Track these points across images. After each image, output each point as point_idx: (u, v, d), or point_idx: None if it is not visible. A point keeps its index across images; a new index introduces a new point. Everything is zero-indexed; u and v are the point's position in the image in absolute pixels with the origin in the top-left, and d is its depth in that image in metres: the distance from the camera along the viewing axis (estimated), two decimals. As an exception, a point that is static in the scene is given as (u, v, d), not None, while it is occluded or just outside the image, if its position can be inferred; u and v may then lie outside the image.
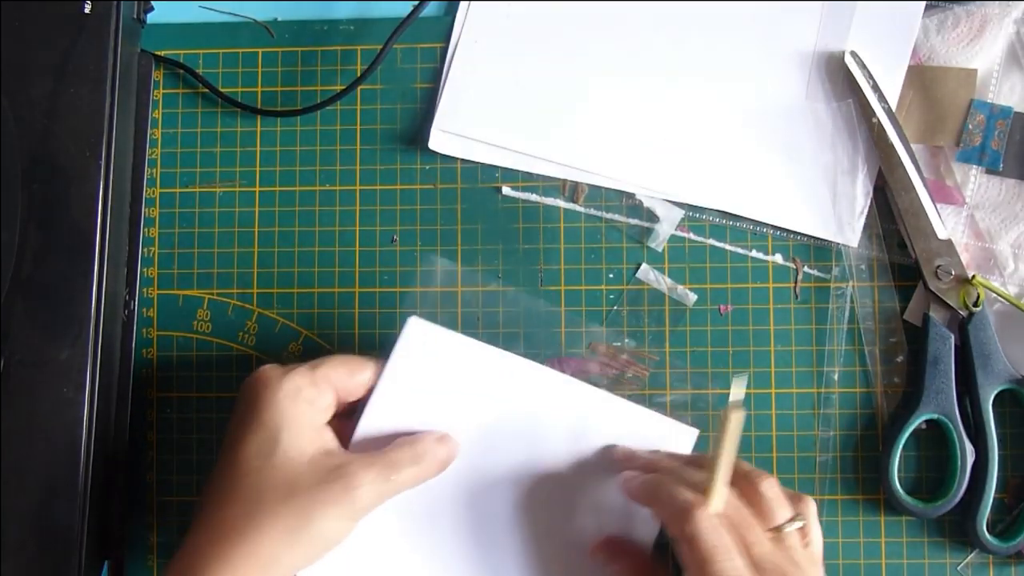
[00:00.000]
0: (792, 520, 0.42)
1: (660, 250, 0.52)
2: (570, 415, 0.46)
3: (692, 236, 0.52)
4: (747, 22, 0.52)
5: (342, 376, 0.44)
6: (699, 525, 0.40)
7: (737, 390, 0.43)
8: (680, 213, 0.52)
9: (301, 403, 0.43)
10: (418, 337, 0.45)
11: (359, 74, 0.53)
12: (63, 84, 0.49)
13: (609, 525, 0.45)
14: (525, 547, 0.45)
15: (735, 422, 0.42)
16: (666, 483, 0.43)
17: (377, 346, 0.52)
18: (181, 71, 0.54)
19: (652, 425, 0.46)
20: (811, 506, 0.43)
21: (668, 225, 0.52)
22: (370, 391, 0.45)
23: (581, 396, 0.46)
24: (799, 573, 0.41)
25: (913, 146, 0.50)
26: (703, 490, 0.41)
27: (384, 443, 0.44)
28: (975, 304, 0.49)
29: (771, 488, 0.43)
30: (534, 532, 0.46)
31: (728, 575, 0.40)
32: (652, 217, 0.52)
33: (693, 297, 0.52)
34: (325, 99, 0.53)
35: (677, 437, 0.46)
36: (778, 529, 0.42)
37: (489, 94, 0.53)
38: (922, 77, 0.51)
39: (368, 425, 0.45)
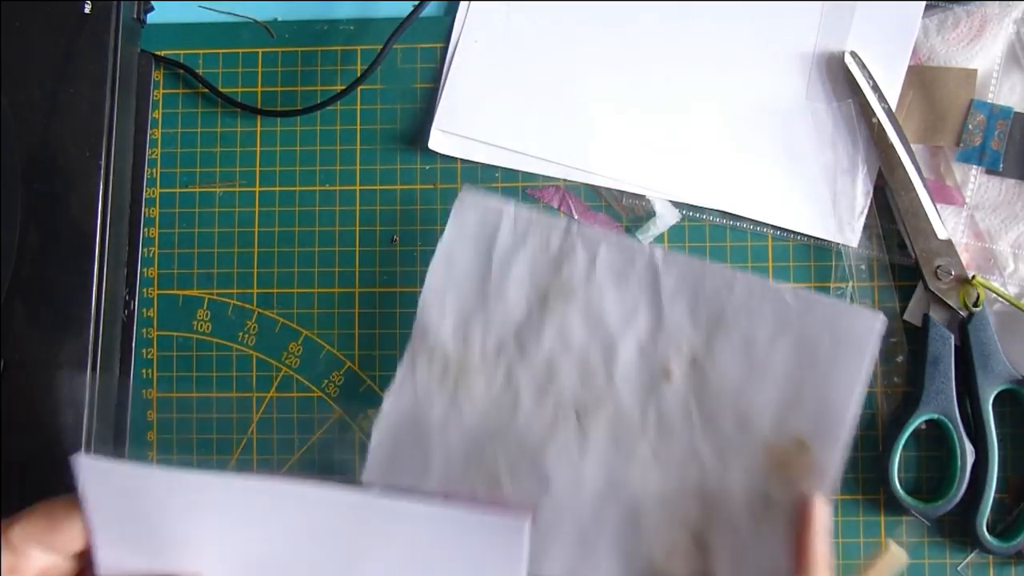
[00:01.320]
0: None
1: (649, 243, 0.52)
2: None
3: (691, 236, 0.52)
4: (747, 22, 0.52)
5: (43, 532, 0.37)
6: None
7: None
8: (677, 214, 0.52)
9: None
10: (89, 474, 0.37)
11: (359, 74, 0.53)
12: (63, 84, 0.49)
13: None
14: None
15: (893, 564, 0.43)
16: None
17: (377, 347, 0.52)
18: (181, 71, 0.54)
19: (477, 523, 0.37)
20: None
21: (662, 223, 0.51)
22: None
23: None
24: None
25: (913, 146, 0.50)
26: None
27: None
28: (975, 304, 0.49)
29: None
30: None
31: None
32: (652, 216, 0.52)
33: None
34: (325, 99, 0.53)
35: (504, 530, 0.37)
36: None
37: (489, 94, 0.53)
38: (922, 77, 0.51)
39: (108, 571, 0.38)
